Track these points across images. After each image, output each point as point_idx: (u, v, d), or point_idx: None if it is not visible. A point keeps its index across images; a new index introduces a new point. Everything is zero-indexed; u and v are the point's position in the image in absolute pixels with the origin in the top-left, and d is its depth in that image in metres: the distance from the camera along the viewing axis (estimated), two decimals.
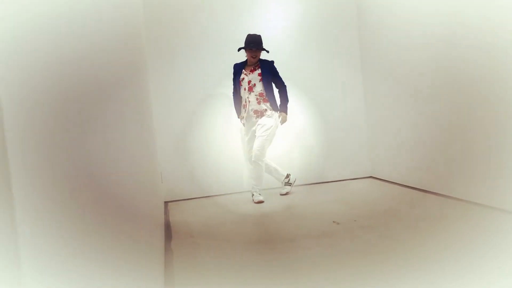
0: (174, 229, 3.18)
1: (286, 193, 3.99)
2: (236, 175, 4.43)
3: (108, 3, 1.57)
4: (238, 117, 3.94)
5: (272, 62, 3.86)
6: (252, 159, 3.75)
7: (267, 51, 3.82)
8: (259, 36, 3.78)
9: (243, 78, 3.80)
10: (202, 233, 3.00)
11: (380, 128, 4.44)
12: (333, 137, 4.62)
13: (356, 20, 4.62)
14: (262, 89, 3.77)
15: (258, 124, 3.76)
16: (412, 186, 3.87)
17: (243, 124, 3.87)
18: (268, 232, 2.91)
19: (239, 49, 3.82)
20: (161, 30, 4.25)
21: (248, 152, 3.87)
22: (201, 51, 4.32)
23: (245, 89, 3.79)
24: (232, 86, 3.93)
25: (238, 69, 3.85)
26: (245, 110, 3.80)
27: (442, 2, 3.24)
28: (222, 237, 2.85)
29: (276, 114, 3.82)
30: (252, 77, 3.78)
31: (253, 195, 3.82)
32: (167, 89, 4.28)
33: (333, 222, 2.92)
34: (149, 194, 2.41)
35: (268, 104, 3.79)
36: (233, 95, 3.92)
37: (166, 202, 4.26)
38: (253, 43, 3.72)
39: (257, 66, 3.81)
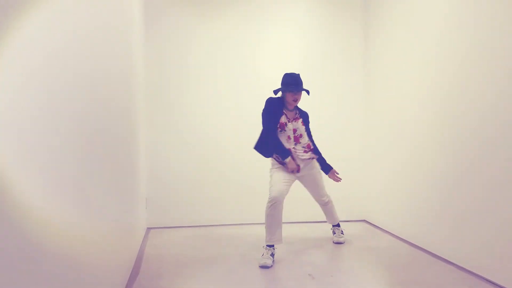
0: (145, 264, 3.04)
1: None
2: (233, 205, 4.29)
3: None
4: (275, 157, 3.25)
5: (308, 115, 3.43)
6: (326, 201, 3.55)
7: (308, 93, 3.32)
8: (299, 75, 3.29)
9: (286, 123, 3.23)
10: (173, 273, 2.84)
11: (377, 167, 4.24)
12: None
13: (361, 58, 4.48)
14: (307, 140, 3.33)
15: (315, 168, 3.38)
16: (408, 240, 3.63)
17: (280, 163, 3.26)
18: (239, 279, 2.73)
19: (276, 92, 3.29)
20: (161, 40, 4.19)
21: (283, 189, 3.16)
22: (200, 62, 4.26)
23: (289, 137, 3.24)
24: (266, 121, 3.24)
25: (276, 106, 3.24)
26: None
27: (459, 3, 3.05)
28: (190, 282, 2.69)
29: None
30: (297, 126, 3.28)
31: (334, 233, 3.67)
32: (159, 104, 4.21)
33: (309, 275, 2.74)
34: (118, 220, 2.28)
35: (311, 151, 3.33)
36: (269, 129, 3.20)
37: (149, 229, 4.13)
38: (296, 85, 3.22)
39: (297, 113, 3.33)
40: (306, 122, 3.37)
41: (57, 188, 1.23)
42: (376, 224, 4.23)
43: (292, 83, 3.21)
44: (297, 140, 3.27)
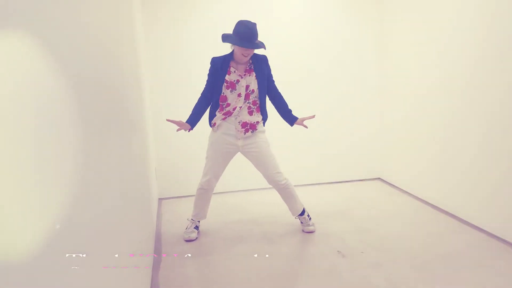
0: (165, 240, 2.96)
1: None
2: (241, 171, 4.15)
3: None
4: (190, 121, 2.87)
5: (266, 59, 2.88)
6: (282, 183, 2.91)
7: (265, 48, 2.75)
8: (255, 25, 2.68)
9: (238, 80, 2.79)
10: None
11: (392, 121, 4.10)
12: (342, 132, 4.31)
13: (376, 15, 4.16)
14: (257, 96, 2.86)
15: (257, 142, 2.87)
16: (423, 199, 3.59)
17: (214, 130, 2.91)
18: (266, 266, 2.67)
19: (225, 38, 2.74)
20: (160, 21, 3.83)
21: (215, 176, 2.96)
22: (204, 39, 3.92)
23: (240, 95, 2.80)
24: (205, 85, 2.89)
25: (221, 65, 2.79)
26: (226, 119, 2.85)
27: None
28: (209, 259, 2.62)
29: (264, 128, 2.97)
30: (250, 80, 2.81)
31: (308, 224, 3.08)
32: (164, 77, 3.92)
33: (338, 252, 2.68)
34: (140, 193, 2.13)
35: (259, 114, 2.91)
36: (202, 96, 2.89)
37: (160, 199, 4.02)
38: (250, 41, 2.65)
39: (251, 65, 2.84)
40: (261, 72, 2.82)
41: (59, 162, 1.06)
42: (391, 183, 4.17)
43: (246, 38, 2.64)
44: (247, 97, 2.82)
